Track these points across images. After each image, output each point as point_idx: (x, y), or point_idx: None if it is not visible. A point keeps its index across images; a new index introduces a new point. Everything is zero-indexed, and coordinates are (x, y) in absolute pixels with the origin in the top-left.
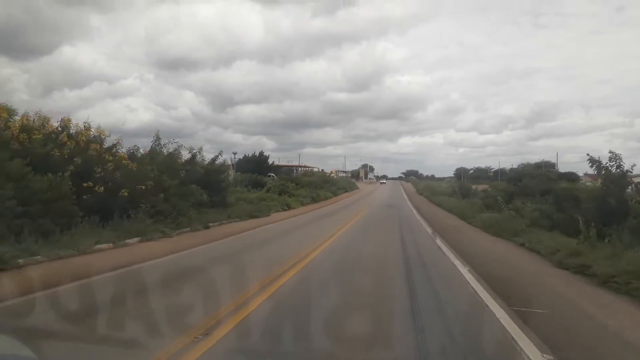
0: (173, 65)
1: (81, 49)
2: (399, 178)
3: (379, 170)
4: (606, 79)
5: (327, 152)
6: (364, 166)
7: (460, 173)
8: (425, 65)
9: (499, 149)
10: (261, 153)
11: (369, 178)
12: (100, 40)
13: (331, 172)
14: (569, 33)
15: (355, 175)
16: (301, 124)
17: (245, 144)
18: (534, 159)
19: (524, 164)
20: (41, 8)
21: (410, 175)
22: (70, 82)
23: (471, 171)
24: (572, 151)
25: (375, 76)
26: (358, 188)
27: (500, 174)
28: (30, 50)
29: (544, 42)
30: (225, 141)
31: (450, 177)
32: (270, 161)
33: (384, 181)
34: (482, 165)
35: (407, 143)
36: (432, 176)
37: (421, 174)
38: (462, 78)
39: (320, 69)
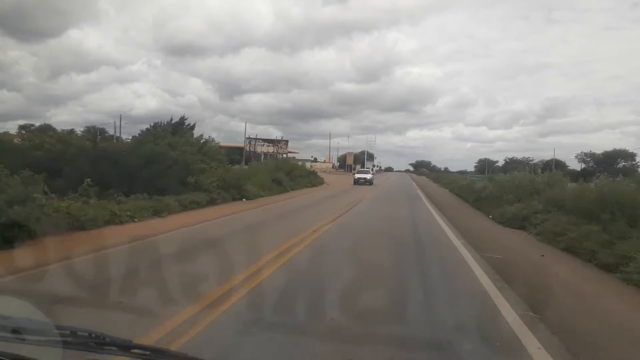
0: (180, 52)
1: (89, 32)
2: (407, 171)
3: (384, 163)
4: (619, 76)
5: (334, 143)
6: (362, 153)
7: (484, 165)
8: (436, 57)
9: (508, 144)
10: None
11: (366, 169)
12: (108, 24)
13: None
14: (582, 28)
15: (342, 163)
16: (309, 114)
17: (251, 133)
18: (543, 155)
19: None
20: None
21: (421, 167)
22: (77, 66)
23: (497, 163)
24: (583, 149)
25: (385, 67)
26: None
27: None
28: (38, 33)
29: (556, 37)
30: (231, 130)
31: (464, 170)
32: None
33: (368, 175)
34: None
35: (415, 136)
36: (446, 169)
37: (434, 166)
38: (473, 72)
39: (329, 58)
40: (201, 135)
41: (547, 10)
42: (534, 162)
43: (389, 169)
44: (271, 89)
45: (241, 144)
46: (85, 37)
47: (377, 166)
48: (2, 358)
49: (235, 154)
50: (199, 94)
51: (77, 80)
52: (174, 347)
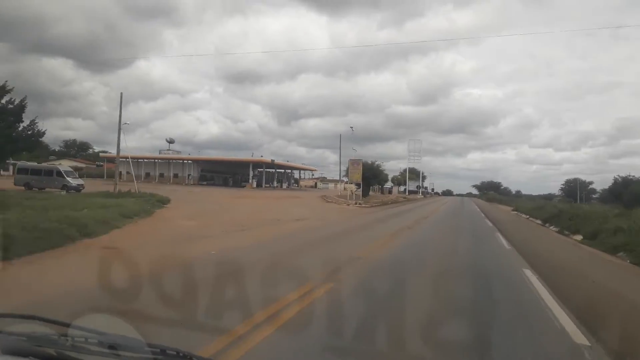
0: (240, 79)
1: (155, 62)
2: (469, 195)
3: (443, 185)
4: None
5: (391, 166)
6: (414, 171)
7: (574, 187)
8: (496, 78)
9: (577, 166)
10: None
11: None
12: (173, 54)
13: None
14: None
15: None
16: (364, 137)
17: (309, 157)
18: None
19: None
20: (119, 24)
21: (488, 190)
22: (145, 94)
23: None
24: None
25: (443, 89)
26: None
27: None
28: (110, 64)
29: (625, 55)
30: (289, 154)
31: (551, 194)
32: None
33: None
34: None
35: (476, 158)
36: (518, 192)
37: (505, 188)
38: (536, 92)
39: (385, 81)
40: None
41: (613, 27)
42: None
43: (447, 193)
44: (327, 113)
45: None
46: (152, 67)
47: (426, 188)
48: None
49: None
50: (258, 119)
51: (144, 108)
52: None
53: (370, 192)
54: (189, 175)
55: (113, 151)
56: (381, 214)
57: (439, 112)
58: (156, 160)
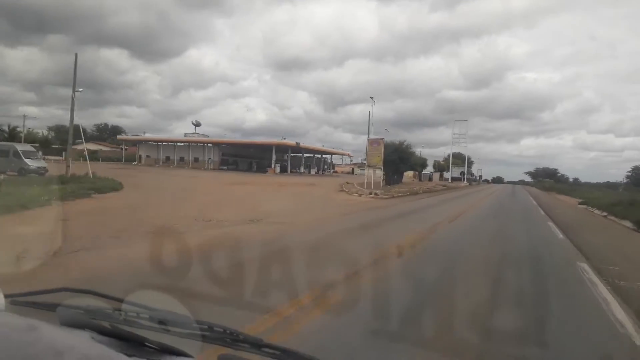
0: (288, 66)
1: (206, 51)
2: (522, 183)
3: (493, 172)
4: None
5: (440, 152)
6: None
7: None
8: (553, 61)
9: None
10: None
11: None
12: (223, 42)
13: None
14: None
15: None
16: (413, 123)
17: (355, 144)
18: None
19: None
20: (172, 14)
21: (543, 178)
22: (196, 83)
23: None
24: None
25: (496, 73)
26: None
27: None
28: (162, 53)
29: None
30: (335, 140)
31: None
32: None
33: None
34: (617, 170)
35: (530, 145)
36: (576, 180)
37: (562, 175)
38: (596, 75)
39: (435, 66)
40: None
41: None
42: None
43: (497, 180)
44: (375, 99)
45: None
46: (203, 56)
47: (473, 174)
48: (151, 346)
49: None
50: (304, 106)
51: (195, 96)
52: None
53: (404, 179)
54: (208, 159)
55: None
56: (393, 210)
57: (492, 97)
58: (176, 144)
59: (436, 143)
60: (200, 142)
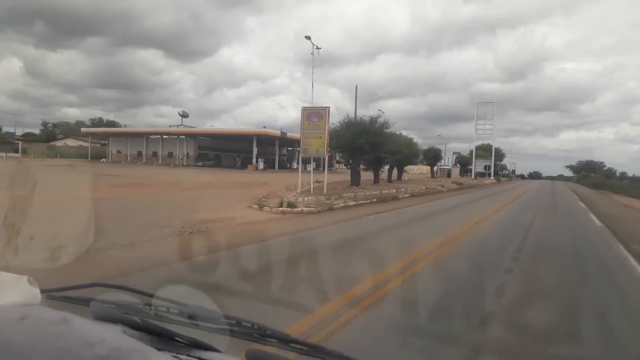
0: (319, 63)
1: (238, 50)
2: (561, 178)
3: (530, 167)
4: None
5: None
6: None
7: None
8: (594, 50)
9: None
10: None
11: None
12: (254, 40)
13: None
14: None
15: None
16: (447, 117)
17: None
18: None
19: None
20: (204, 13)
21: (587, 172)
22: (229, 81)
23: None
24: None
25: (534, 64)
26: None
27: None
28: (196, 53)
29: None
30: None
31: None
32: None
33: None
34: None
35: (569, 138)
36: (623, 174)
37: (609, 169)
38: None
39: (469, 58)
40: None
41: None
42: None
43: (534, 175)
44: (407, 93)
45: None
46: (235, 55)
47: (504, 169)
48: (181, 341)
49: None
50: (336, 102)
51: (228, 94)
52: None
53: (408, 176)
54: (186, 154)
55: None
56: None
57: (529, 89)
58: (147, 136)
59: (471, 137)
60: (170, 134)
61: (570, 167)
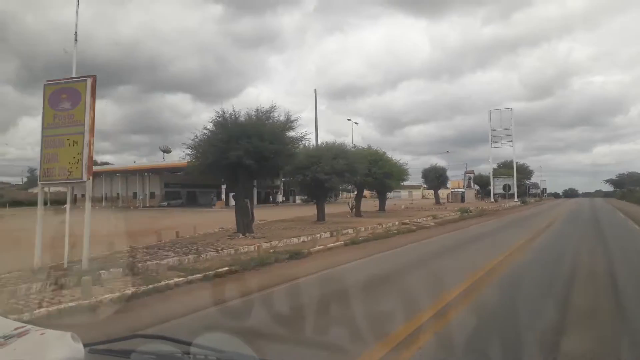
0: (342, 94)
1: (262, 89)
2: (600, 194)
3: (566, 184)
4: None
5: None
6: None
7: None
8: (621, 62)
9: None
10: None
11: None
12: (277, 78)
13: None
14: None
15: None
16: (473, 139)
17: (414, 164)
18: None
19: None
20: (228, 56)
21: (630, 186)
22: None
23: None
24: None
25: (560, 79)
26: None
27: None
28: (222, 94)
29: None
30: None
31: None
32: None
33: None
34: None
35: (603, 152)
36: None
37: None
38: None
39: (493, 79)
40: None
41: None
42: None
43: (570, 193)
44: (432, 118)
45: None
46: (260, 93)
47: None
48: None
49: None
50: (361, 131)
51: None
52: None
53: (396, 202)
54: (147, 193)
55: None
56: None
57: (557, 105)
58: (107, 176)
59: (501, 157)
60: (128, 171)
61: (609, 181)
